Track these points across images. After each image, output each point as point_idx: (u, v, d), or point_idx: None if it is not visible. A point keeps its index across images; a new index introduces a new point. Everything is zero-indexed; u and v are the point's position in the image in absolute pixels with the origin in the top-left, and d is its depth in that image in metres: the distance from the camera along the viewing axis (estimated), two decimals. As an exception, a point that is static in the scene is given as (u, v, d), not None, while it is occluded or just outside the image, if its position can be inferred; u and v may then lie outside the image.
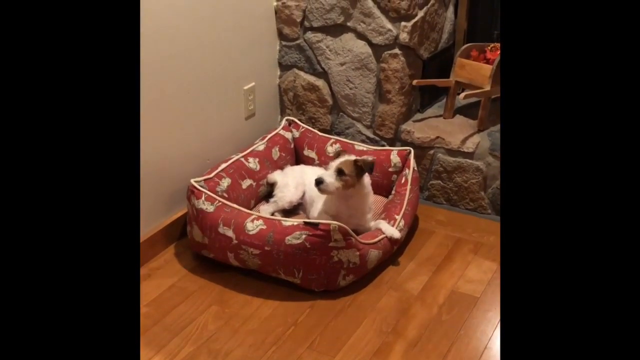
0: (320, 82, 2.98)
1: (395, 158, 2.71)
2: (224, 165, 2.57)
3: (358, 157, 2.39)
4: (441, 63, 3.02)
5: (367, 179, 2.43)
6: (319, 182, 2.30)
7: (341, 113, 2.99)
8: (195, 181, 2.42)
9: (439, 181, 2.84)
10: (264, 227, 2.24)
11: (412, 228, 2.62)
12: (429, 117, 2.98)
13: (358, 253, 2.25)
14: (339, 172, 2.30)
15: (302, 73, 3.01)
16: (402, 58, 2.77)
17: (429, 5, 2.81)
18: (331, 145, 2.83)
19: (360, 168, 2.33)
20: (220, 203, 2.34)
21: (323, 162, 2.74)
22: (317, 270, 2.22)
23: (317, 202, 2.51)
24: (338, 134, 2.99)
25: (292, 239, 2.19)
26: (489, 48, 2.88)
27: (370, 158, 2.50)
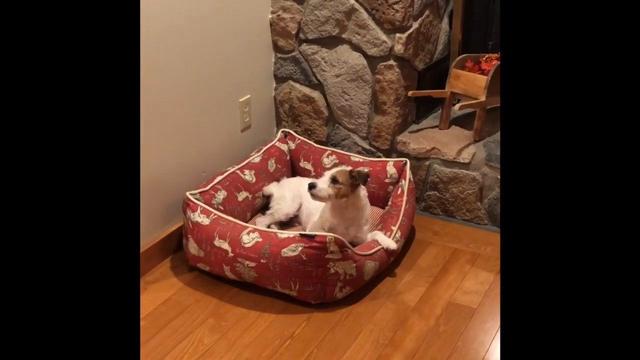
0: (315, 94, 2.99)
1: (391, 169, 2.71)
2: (219, 178, 2.57)
3: (354, 168, 2.39)
4: (436, 74, 3.03)
5: (363, 191, 2.43)
6: (311, 187, 2.31)
7: (337, 124, 2.99)
8: (191, 194, 2.42)
9: (435, 192, 2.84)
10: (260, 239, 2.24)
11: (408, 239, 2.62)
12: (425, 128, 2.98)
13: (354, 265, 2.24)
14: (333, 179, 2.31)
15: (297, 85, 3.01)
16: (397, 69, 2.77)
17: (423, 17, 2.82)
18: (327, 156, 2.83)
19: (354, 178, 2.33)
20: (215, 216, 2.34)
21: (319, 174, 2.73)
22: (314, 282, 2.22)
23: (314, 214, 2.51)
24: (334, 146, 2.99)
25: (288, 251, 2.18)
26: (484, 59, 2.89)
27: (365, 169, 2.50)
